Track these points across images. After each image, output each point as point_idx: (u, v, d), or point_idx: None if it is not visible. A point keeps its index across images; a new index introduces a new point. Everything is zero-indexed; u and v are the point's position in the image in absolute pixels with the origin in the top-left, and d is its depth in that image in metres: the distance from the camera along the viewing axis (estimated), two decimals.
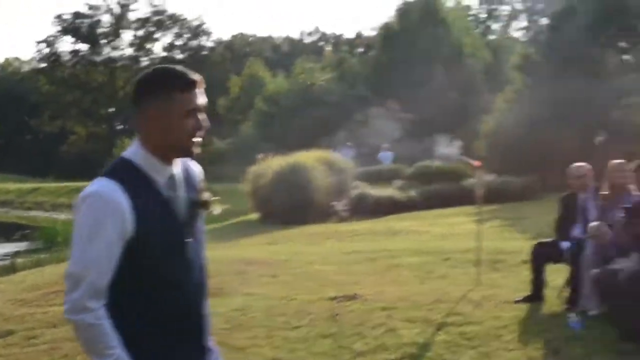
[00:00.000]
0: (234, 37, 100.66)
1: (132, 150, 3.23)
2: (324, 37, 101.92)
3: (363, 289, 10.76)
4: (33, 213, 47.23)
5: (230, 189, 32.56)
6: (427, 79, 45.73)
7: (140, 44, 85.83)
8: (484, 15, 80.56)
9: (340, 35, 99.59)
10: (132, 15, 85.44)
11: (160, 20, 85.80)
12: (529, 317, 8.77)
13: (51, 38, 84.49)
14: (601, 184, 9.23)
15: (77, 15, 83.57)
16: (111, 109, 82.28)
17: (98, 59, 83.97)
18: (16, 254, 23.64)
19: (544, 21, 45.19)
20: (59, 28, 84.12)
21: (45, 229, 29.89)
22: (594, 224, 8.71)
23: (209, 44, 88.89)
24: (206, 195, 3.44)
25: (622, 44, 34.20)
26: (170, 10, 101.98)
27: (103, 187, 3.09)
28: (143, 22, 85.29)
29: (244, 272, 13.15)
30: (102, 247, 3.04)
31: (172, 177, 3.27)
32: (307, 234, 21.30)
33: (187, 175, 3.38)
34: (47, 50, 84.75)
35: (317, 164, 26.60)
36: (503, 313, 8.83)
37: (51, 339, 8.64)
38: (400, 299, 9.84)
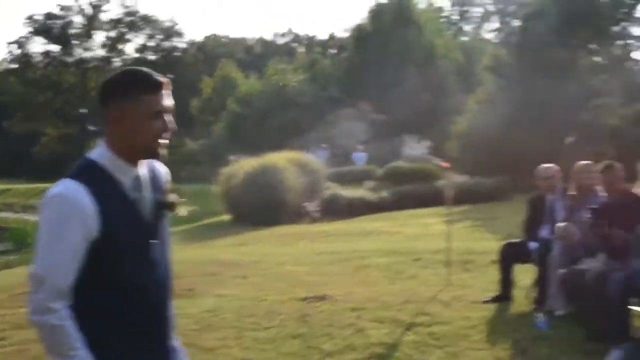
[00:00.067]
0: (207, 38, 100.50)
1: (98, 152, 3.24)
2: (296, 38, 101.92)
3: (333, 289, 10.77)
4: (3, 214, 46.79)
5: (202, 190, 32.56)
6: (400, 80, 45.88)
7: (112, 45, 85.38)
8: (456, 17, 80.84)
9: (313, 37, 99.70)
10: (104, 16, 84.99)
11: (133, 22, 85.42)
12: (497, 317, 8.83)
13: (22, 39, 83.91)
14: (569, 185, 9.31)
15: (48, 16, 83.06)
16: (83, 110, 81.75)
17: (70, 60, 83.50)
18: None
19: (516, 23, 45.44)
20: (31, 29, 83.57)
21: (15, 230, 29.78)
22: (561, 224, 8.79)
23: (182, 45, 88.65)
24: (172, 197, 3.44)
25: (593, 46, 34.46)
26: (143, 11, 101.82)
27: (67, 188, 3.09)
28: (115, 23, 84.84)
29: (215, 273, 13.15)
30: (66, 249, 3.04)
31: (137, 179, 3.28)
32: (278, 235, 21.31)
33: (153, 176, 3.38)
34: (18, 51, 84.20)
35: (289, 165, 26.61)
36: (472, 313, 8.88)
37: (20, 341, 8.58)
38: (369, 299, 9.87)
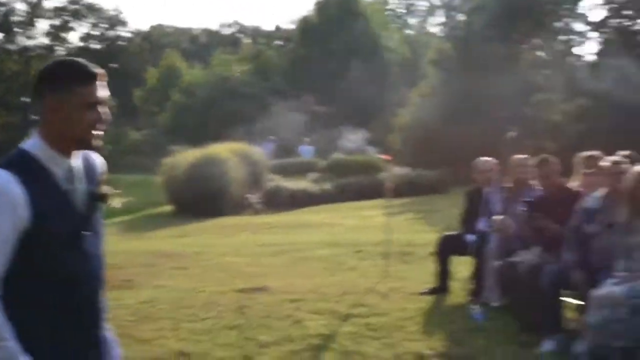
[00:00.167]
0: (153, 28, 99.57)
1: (31, 142, 3.21)
2: (242, 29, 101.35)
3: (273, 281, 10.81)
4: None
5: (145, 181, 32.32)
6: (344, 73, 45.99)
7: (55, 34, 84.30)
8: (402, 10, 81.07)
9: (259, 28, 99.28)
10: (47, 4, 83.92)
11: (77, 10, 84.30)
12: (434, 308, 8.92)
13: None
14: (505, 178, 9.45)
15: None
16: (25, 99, 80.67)
17: (12, 47, 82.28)
18: None
19: (460, 17, 45.77)
20: None
21: None
22: (497, 217, 8.92)
23: (127, 34, 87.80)
24: (105, 189, 3.43)
25: (536, 41, 34.82)
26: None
27: None
28: (59, 11, 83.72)
29: (155, 265, 13.12)
30: None
31: (70, 170, 3.25)
32: (220, 226, 21.27)
33: (88, 167, 3.35)
34: None
35: (232, 156, 26.50)
36: (409, 305, 8.96)
37: None
38: (309, 290, 9.91)
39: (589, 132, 26.06)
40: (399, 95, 40.56)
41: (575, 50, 44.06)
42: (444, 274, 9.68)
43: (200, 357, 7.26)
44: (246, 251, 14.64)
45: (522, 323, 7.84)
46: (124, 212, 24.70)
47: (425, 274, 10.49)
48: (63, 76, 3.17)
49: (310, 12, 56.30)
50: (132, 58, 77.92)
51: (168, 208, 27.22)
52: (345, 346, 7.45)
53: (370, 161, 29.70)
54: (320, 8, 54.80)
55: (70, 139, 3.19)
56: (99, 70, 3.23)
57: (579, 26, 43.29)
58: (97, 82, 3.21)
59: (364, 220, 20.28)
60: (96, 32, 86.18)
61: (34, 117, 3.22)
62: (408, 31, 72.70)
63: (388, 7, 73.61)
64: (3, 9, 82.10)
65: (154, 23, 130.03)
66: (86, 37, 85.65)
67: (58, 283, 3.20)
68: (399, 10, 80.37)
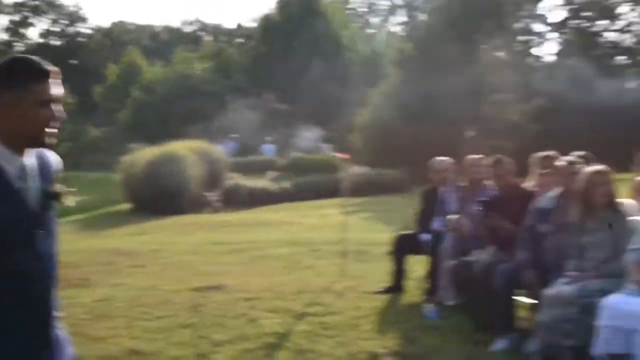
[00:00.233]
0: (114, 24, 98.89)
1: None
2: (203, 26, 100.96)
3: (229, 279, 10.82)
4: None
5: (103, 179, 32.12)
6: (305, 71, 46.01)
7: (15, 29, 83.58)
8: (363, 9, 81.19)
9: (220, 26, 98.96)
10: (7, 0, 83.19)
11: (37, 6, 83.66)
12: (389, 307, 8.97)
13: None
14: (461, 177, 9.54)
15: None
16: None
17: None
18: None
19: (422, 17, 45.98)
20: None
21: None
22: (452, 216, 9.00)
23: (87, 31, 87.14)
24: (59, 187, 3.43)
25: (495, 41, 35.07)
26: None
27: None
28: (18, 6, 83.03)
29: (112, 263, 13.08)
30: None
31: (23, 168, 3.23)
32: (178, 224, 21.20)
33: (42, 165, 3.33)
34: None
35: (191, 154, 26.40)
36: (363, 303, 9.02)
37: None
38: (264, 289, 9.94)
39: (546, 132, 26.32)
40: (359, 95, 40.63)
41: (535, 50, 44.54)
42: (399, 273, 9.74)
43: (154, 356, 7.25)
44: (204, 249, 14.65)
45: (476, 322, 7.91)
46: (79, 211, 24.50)
47: (380, 273, 10.53)
48: (16, 74, 3.15)
49: (271, 11, 56.33)
50: (93, 55, 77.27)
51: (126, 206, 27.06)
52: (300, 345, 7.48)
53: (330, 160, 29.72)
54: (281, 6, 54.80)
55: (23, 137, 3.17)
56: (52, 67, 3.22)
57: (538, 27, 43.78)
58: (51, 80, 3.20)
59: (323, 219, 20.34)
60: (56, 29, 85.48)
61: None
62: (369, 30, 72.81)
63: (349, 6, 73.67)
64: None
65: (115, 20, 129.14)
66: (46, 34, 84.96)
67: (10, 281, 3.18)
68: (360, 9, 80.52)
